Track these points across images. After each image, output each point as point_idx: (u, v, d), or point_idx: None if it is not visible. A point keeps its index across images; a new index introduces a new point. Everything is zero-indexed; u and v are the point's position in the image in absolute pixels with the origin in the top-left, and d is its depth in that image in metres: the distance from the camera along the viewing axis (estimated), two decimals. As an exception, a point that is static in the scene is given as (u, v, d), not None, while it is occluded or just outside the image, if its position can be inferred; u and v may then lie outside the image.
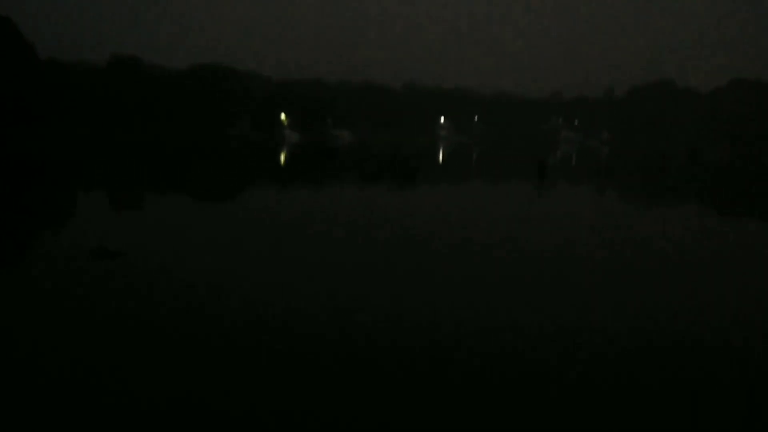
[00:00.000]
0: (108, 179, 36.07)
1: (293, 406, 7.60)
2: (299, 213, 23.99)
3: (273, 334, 10.16)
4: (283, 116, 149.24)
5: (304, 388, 8.15)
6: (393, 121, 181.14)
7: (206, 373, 8.56)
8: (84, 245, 16.44)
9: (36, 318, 10.59)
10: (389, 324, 10.80)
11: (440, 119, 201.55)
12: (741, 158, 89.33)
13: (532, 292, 13.09)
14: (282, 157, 66.37)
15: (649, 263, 16.18)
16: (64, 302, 11.54)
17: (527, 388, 8.29)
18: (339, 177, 43.53)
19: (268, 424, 7.15)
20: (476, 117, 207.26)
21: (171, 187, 33.34)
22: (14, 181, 32.42)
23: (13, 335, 9.74)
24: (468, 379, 8.54)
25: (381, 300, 12.24)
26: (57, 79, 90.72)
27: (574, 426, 7.26)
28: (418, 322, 10.92)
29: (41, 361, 8.75)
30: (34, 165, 43.01)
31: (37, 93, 73.95)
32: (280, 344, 9.72)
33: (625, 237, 20.35)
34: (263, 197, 29.89)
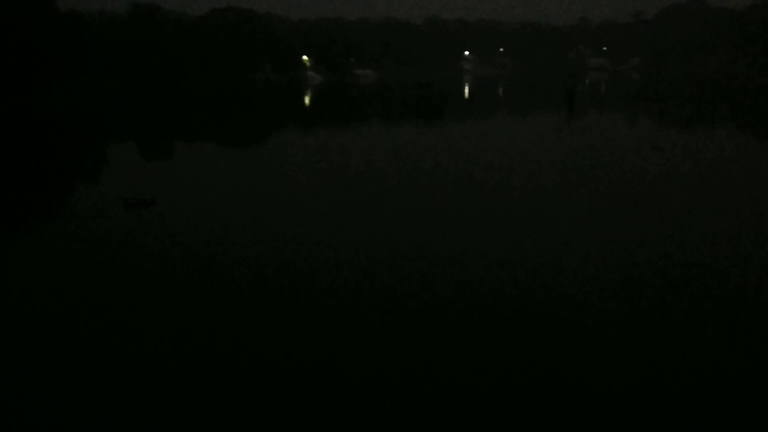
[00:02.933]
0: (136, 130, 36.30)
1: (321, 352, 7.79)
2: (328, 156, 23.94)
3: (304, 277, 10.32)
4: (305, 57, 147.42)
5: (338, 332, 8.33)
6: (416, 57, 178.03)
7: (232, 319, 8.79)
8: (118, 195, 16.72)
9: (80, 265, 10.89)
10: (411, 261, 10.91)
11: (464, 53, 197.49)
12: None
13: (554, 224, 13.04)
14: (307, 99, 65.95)
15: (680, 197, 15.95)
16: (104, 249, 11.83)
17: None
18: (366, 117, 43.19)
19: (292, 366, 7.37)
20: (501, 49, 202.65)
21: (199, 135, 33.44)
22: (41, 135, 32.81)
23: (60, 283, 10.06)
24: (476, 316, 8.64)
25: (414, 233, 12.33)
26: (77, 30, 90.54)
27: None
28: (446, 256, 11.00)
29: (84, 305, 9.05)
30: (60, 118, 43.40)
31: (58, 45, 73.91)
32: (309, 285, 9.90)
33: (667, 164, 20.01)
34: (292, 141, 29.84)
